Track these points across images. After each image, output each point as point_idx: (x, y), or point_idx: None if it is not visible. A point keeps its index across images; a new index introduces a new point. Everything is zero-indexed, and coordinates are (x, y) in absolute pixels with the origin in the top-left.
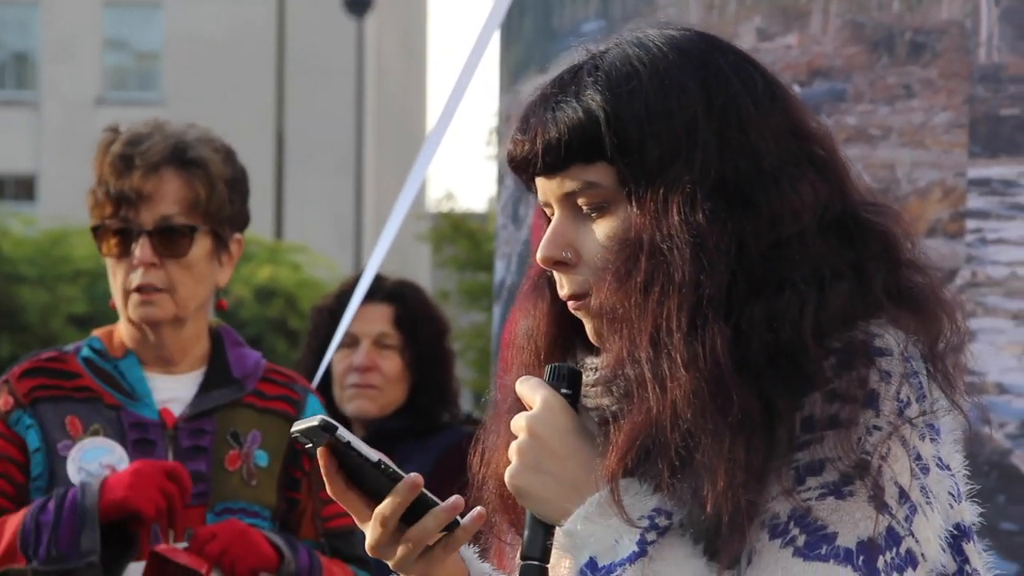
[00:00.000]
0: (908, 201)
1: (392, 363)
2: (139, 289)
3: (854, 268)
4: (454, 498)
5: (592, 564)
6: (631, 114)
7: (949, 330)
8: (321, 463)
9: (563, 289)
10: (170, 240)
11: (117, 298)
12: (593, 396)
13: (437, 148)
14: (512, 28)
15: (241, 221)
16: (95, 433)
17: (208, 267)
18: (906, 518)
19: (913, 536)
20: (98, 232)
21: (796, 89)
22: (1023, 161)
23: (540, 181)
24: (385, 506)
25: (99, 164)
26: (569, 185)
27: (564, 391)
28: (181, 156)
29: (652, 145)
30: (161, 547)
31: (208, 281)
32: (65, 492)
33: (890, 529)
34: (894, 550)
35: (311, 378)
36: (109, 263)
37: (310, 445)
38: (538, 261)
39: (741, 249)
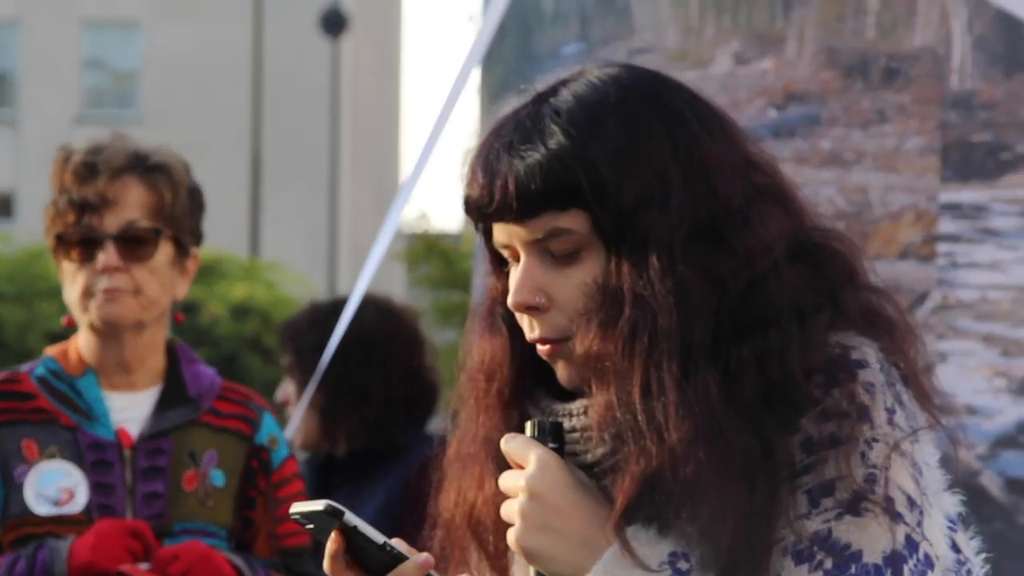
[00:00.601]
0: (881, 224)
1: (289, 388)
2: (104, 291)
3: (827, 296)
4: None
5: None
6: (604, 160)
7: (918, 349)
8: (331, 547)
9: (534, 332)
10: (135, 245)
11: (76, 305)
12: (571, 443)
13: (412, 191)
14: (492, 50)
15: (198, 235)
16: (51, 456)
17: (170, 274)
18: (918, 523)
19: (927, 539)
20: (60, 240)
21: (772, 113)
22: (994, 186)
23: (503, 226)
24: None
25: (59, 176)
26: (540, 231)
27: (552, 446)
28: (144, 162)
29: (627, 191)
30: (125, 567)
31: (170, 289)
32: (34, 555)
33: (908, 537)
34: (915, 557)
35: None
36: (68, 271)
37: (311, 527)
38: (511, 306)
39: (721, 291)
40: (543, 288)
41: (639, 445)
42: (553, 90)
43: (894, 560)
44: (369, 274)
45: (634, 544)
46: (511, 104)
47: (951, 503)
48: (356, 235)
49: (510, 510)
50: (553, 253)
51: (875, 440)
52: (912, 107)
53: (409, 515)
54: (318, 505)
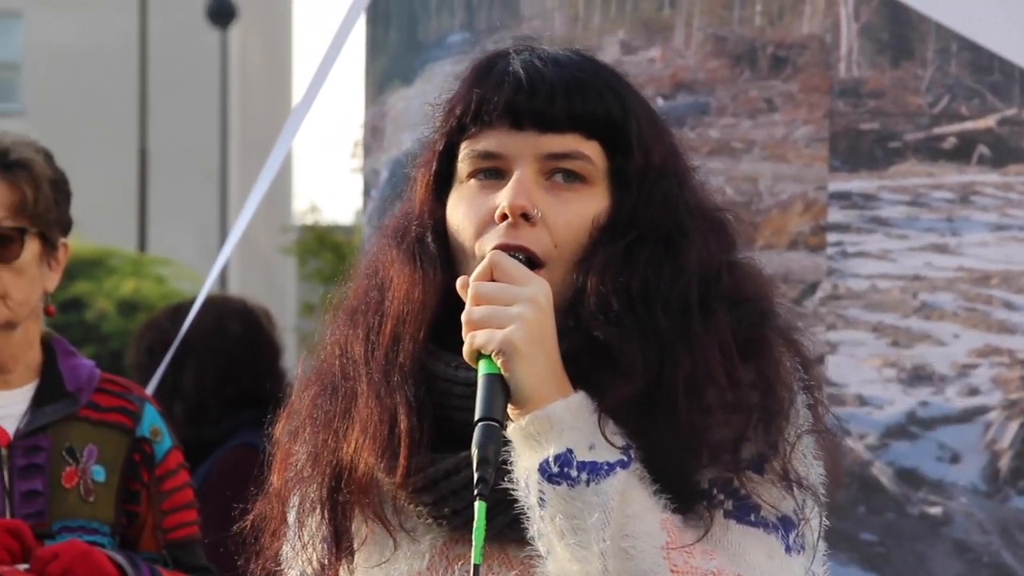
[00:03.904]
0: (770, 214)
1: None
2: None
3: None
4: None
5: (570, 454)
6: (641, 115)
7: (810, 349)
8: None
9: (511, 239)
10: (0, 246)
11: None
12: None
13: (293, 137)
14: (377, 40)
15: (66, 225)
16: None
17: (38, 271)
18: (803, 504)
19: (806, 523)
20: None
21: (660, 102)
22: (882, 175)
23: (510, 136)
24: None
25: None
26: (561, 148)
27: None
28: (3, 159)
29: (656, 151)
30: (2, 568)
31: (39, 284)
32: None
33: (795, 510)
34: (797, 530)
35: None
36: None
37: None
38: (507, 208)
39: (713, 261)
40: (536, 203)
41: (650, 347)
42: (558, 47)
43: (785, 523)
44: (219, 267)
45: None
46: (397, 94)
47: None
48: (246, 228)
49: (498, 313)
50: (554, 176)
51: (782, 416)
52: (800, 96)
53: (204, 509)
54: None
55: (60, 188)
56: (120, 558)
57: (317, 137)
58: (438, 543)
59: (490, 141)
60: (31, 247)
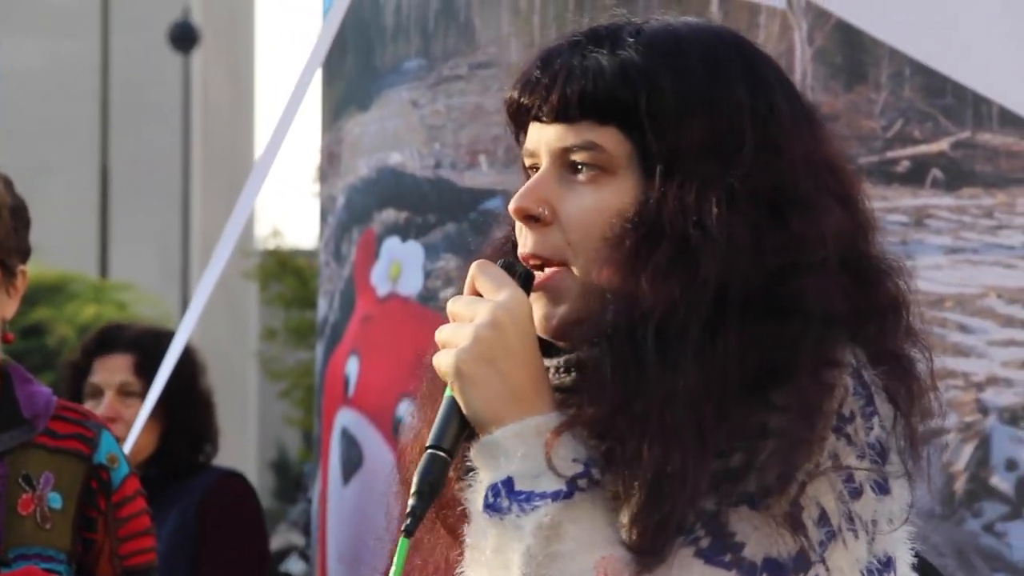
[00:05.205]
0: None
1: (134, 411)
2: None
3: (858, 315)
4: None
5: (509, 484)
6: (673, 89)
7: (927, 413)
8: None
9: (525, 247)
10: None
11: None
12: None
13: (263, 181)
14: (333, 66)
15: (25, 252)
16: None
17: None
18: (820, 543)
19: (824, 564)
20: None
21: None
22: None
23: (537, 129)
24: None
25: None
26: (571, 140)
27: None
28: None
29: (694, 129)
30: None
31: None
32: None
33: (801, 552)
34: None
35: None
36: None
37: None
38: (511, 211)
39: (762, 262)
40: (549, 201)
41: (627, 372)
42: (645, 20)
43: (776, 568)
44: (216, 271)
45: (561, 443)
46: (353, 120)
47: (897, 546)
48: (209, 253)
49: (457, 332)
50: (574, 169)
51: (806, 442)
52: None
53: (205, 541)
54: None
55: (19, 215)
56: None
57: (279, 161)
58: None
59: (527, 138)
60: None
